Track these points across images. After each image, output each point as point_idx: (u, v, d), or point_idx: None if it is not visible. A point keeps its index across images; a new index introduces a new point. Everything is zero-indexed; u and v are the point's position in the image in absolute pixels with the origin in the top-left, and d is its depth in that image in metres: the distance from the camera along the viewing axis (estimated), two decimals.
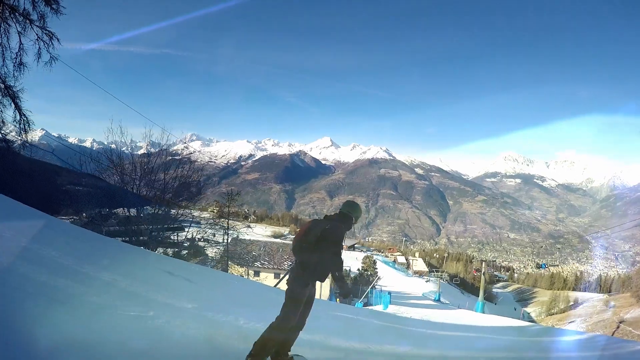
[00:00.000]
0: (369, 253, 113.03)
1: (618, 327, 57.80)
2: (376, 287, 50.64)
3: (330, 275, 5.06)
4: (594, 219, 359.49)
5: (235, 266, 39.70)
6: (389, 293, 40.06)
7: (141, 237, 26.68)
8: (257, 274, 40.09)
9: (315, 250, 4.84)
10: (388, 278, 73.27)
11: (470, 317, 31.00)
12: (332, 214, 5.39)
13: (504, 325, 22.87)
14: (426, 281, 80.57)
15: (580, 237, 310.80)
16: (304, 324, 5.15)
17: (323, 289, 38.30)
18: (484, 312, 41.81)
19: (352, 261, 67.39)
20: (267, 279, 39.23)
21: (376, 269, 64.04)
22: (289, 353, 5.14)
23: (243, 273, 39.29)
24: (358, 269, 62.86)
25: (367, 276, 57.66)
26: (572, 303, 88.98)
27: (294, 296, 4.90)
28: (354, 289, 46.06)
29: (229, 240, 39.64)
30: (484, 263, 49.01)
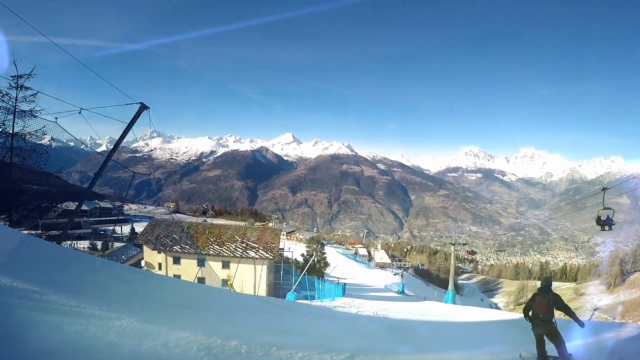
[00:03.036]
0: (328, 246, 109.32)
1: (592, 314, 56.70)
2: (329, 278, 46.06)
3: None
4: (553, 212, 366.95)
5: (153, 252, 33.59)
6: (344, 284, 35.68)
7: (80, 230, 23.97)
8: (176, 260, 33.36)
9: (550, 311, 8.26)
10: (349, 270, 71.72)
11: (440, 309, 28.38)
12: (542, 287, 8.62)
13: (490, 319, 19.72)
14: (394, 274, 77.22)
15: (540, 229, 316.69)
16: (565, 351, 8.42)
17: (260, 287, 33.56)
18: (454, 303, 38.63)
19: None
20: (190, 267, 33.44)
21: (324, 253, 54.12)
22: None
23: (162, 261, 33.35)
24: (302, 255, 53.46)
25: (314, 263, 48.26)
26: None
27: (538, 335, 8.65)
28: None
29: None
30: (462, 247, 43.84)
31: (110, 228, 67.11)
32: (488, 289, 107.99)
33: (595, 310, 60.15)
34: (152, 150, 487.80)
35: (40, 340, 4.36)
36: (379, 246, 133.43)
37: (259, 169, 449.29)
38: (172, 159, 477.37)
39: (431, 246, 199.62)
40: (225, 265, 32.83)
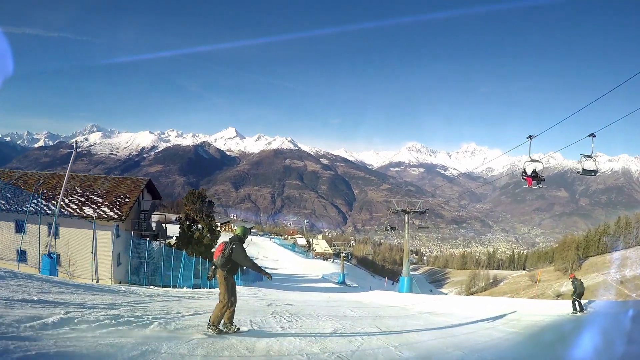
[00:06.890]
0: (266, 237, 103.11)
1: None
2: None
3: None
4: (494, 205, 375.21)
5: None
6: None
7: None
8: None
9: (226, 259, 7.42)
10: (284, 260, 69.24)
11: (393, 299, 23.14)
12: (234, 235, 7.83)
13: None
14: (343, 256, 72.39)
15: (482, 222, 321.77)
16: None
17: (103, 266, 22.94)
18: (411, 292, 32.18)
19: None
20: (5, 233, 23.15)
21: (212, 218, 39.51)
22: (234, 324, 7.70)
23: None
24: (178, 219, 40.14)
25: (190, 232, 35.60)
26: (491, 281, 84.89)
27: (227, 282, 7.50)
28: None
29: None
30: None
31: None
32: (436, 280, 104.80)
33: (558, 296, 56.95)
34: (91, 146, 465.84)
35: None
36: (320, 236, 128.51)
37: (201, 165, 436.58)
38: (112, 154, 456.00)
39: (375, 239, 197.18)
40: (54, 231, 21.54)
